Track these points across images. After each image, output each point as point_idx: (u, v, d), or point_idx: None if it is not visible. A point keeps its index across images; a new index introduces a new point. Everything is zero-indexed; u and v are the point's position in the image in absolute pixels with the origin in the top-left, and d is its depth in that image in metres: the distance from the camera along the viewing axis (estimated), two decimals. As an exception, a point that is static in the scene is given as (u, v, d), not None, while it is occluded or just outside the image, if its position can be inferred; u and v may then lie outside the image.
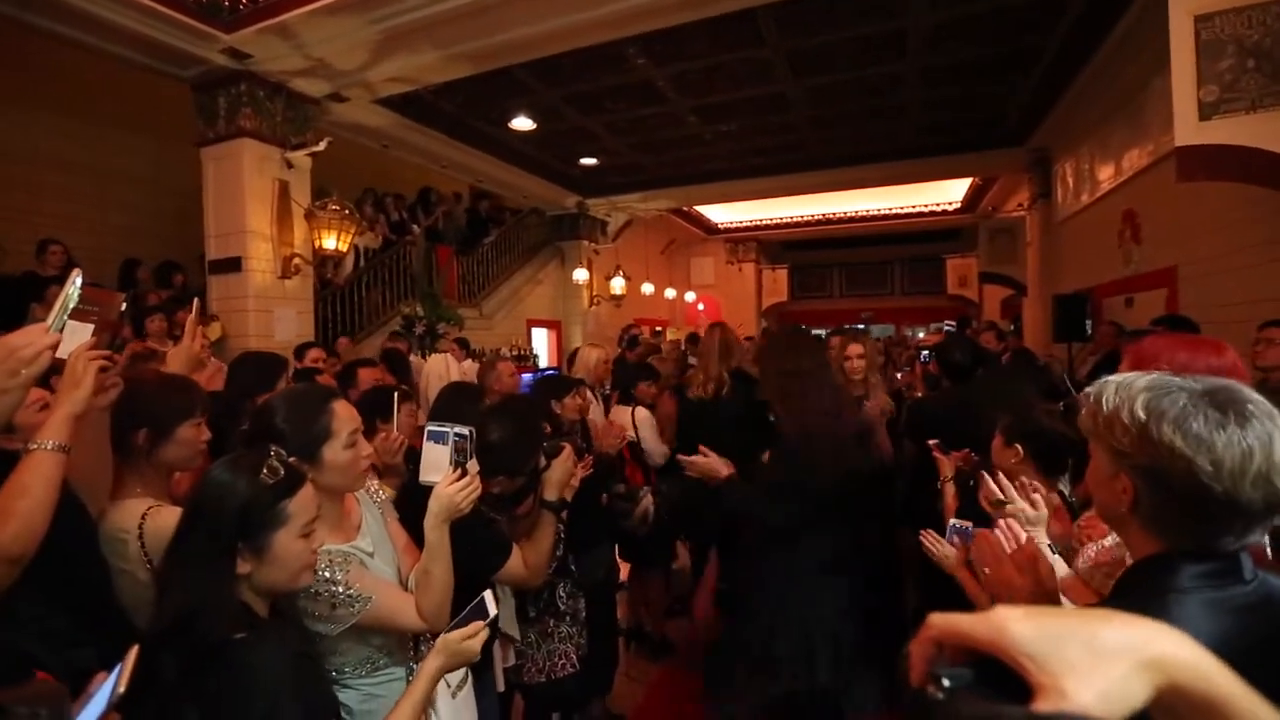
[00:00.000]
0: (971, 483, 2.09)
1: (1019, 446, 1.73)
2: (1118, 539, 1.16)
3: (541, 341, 10.45)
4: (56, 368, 1.17)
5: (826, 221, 13.52)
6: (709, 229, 14.74)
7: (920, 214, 12.87)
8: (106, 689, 0.72)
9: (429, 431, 1.45)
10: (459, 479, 1.41)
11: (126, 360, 2.43)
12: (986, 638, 0.47)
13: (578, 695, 2.29)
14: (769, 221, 14.16)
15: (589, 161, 8.54)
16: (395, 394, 2.18)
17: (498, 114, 6.72)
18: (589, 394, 3.42)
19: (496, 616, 1.35)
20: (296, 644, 1.17)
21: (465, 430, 1.44)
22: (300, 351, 3.86)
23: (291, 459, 1.23)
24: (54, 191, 5.96)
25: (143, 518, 1.40)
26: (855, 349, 3.10)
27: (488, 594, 1.35)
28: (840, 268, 16.61)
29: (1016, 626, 0.47)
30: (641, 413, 3.39)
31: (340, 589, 1.33)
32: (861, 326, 9.72)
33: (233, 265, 5.04)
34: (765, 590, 2.10)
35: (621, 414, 3.38)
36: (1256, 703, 0.50)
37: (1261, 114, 2.66)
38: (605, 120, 7.04)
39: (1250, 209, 3.86)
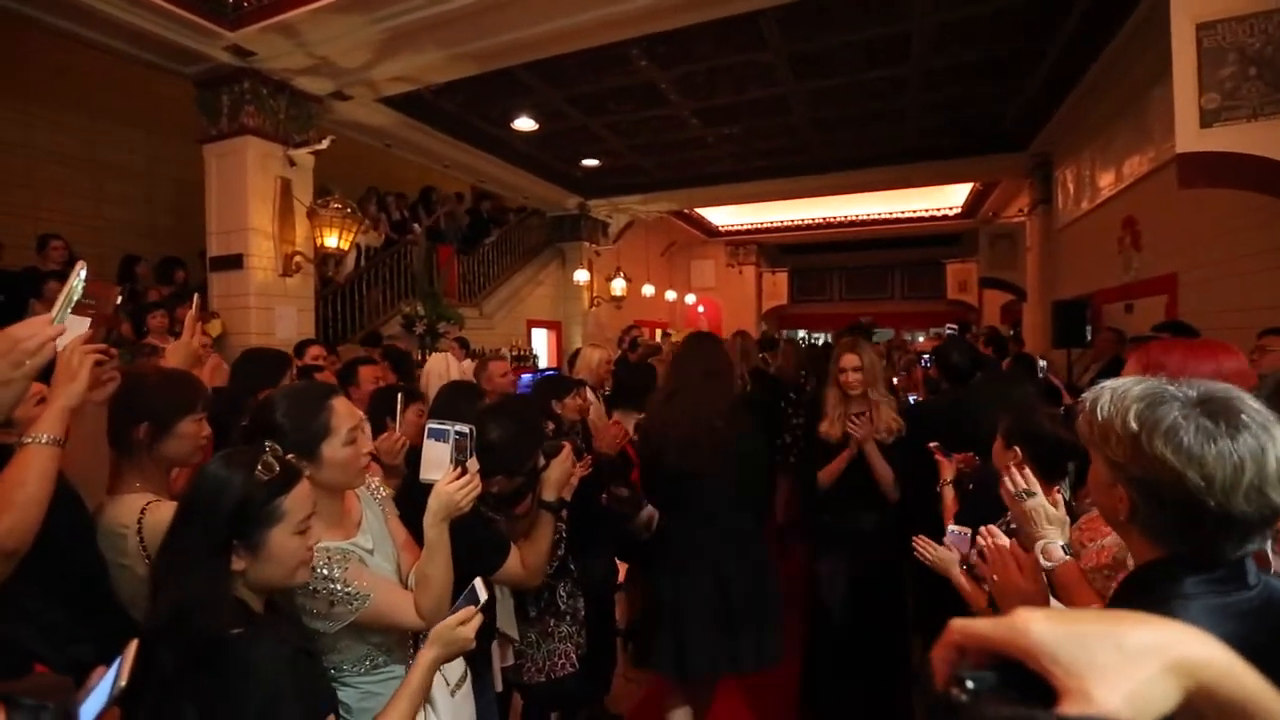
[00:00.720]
0: (970, 486, 2.10)
1: (1018, 449, 1.73)
2: (1117, 539, 1.16)
3: (541, 342, 10.45)
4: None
5: (827, 225, 13.53)
6: (710, 231, 14.76)
7: (921, 218, 12.88)
8: (107, 683, 0.72)
9: (429, 429, 1.46)
10: (459, 477, 1.41)
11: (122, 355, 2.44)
12: (1009, 640, 0.46)
13: (577, 695, 2.29)
14: (770, 224, 14.18)
15: (591, 163, 8.55)
16: (400, 394, 2.19)
17: (500, 114, 6.73)
18: (590, 394, 3.41)
19: (491, 602, 1.34)
20: (294, 640, 1.17)
21: (466, 428, 1.44)
22: (300, 349, 3.85)
23: (290, 456, 1.22)
24: (52, 186, 5.97)
25: (142, 512, 1.40)
26: (850, 360, 2.73)
27: (478, 580, 1.35)
28: (840, 271, 16.63)
29: (1039, 628, 0.46)
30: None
31: (339, 586, 1.33)
32: (865, 320, 9.49)
33: (234, 262, 5.04)
34: (665, 555, 2.43)
35: (627, 418, 3.30)
36: None
37: (1263, 122, 2.66)
38: (607, 122, 7.05)
39: (1251, 216, 3.87)
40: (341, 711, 1.34)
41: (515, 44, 4.69)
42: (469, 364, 5.39)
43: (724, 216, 13.98)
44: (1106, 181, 6.23)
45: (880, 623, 2.66)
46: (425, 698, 1.30)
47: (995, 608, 1.54)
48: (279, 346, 3.76)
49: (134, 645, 0.76)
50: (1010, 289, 9.76)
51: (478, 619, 1.31)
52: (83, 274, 1.18)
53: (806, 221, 13.63)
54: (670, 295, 13.98)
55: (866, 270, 16.30)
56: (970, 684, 0.44)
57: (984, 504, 1.84)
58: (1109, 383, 0.87)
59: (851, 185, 9.61)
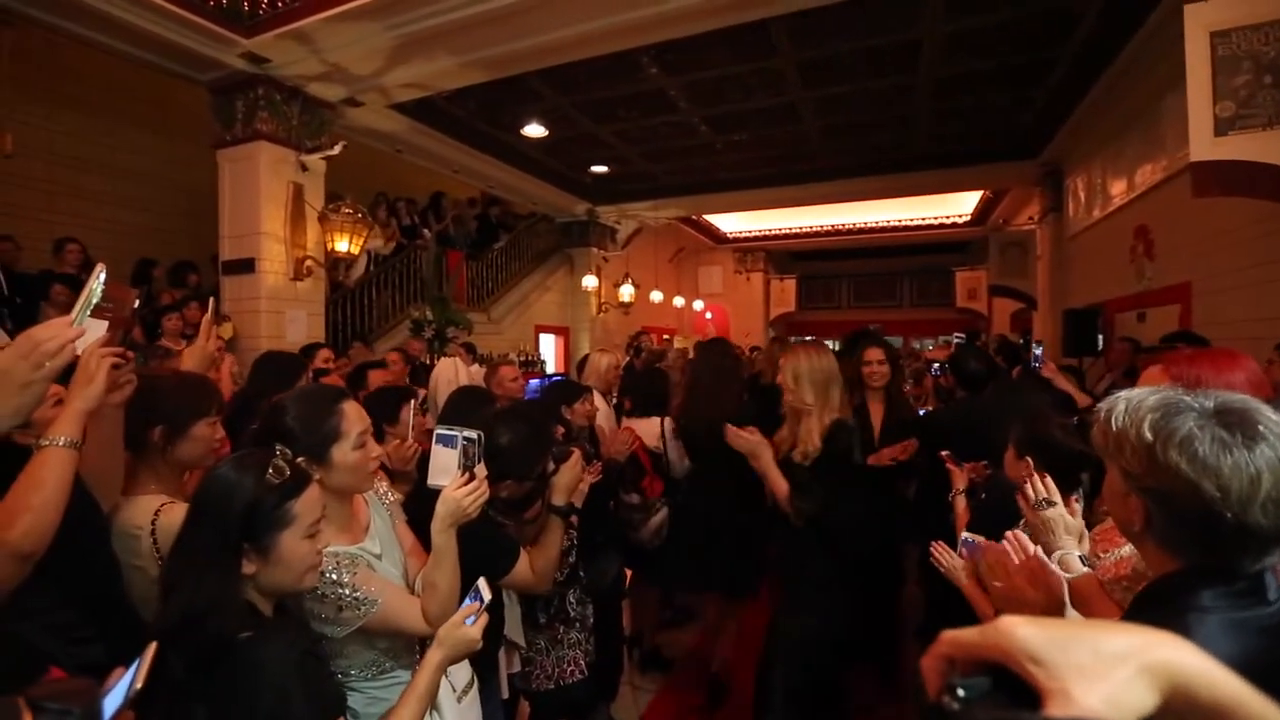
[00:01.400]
0: (983, 495, 2.08)
1: (1030, 459, 1.72)
2: (1136, 550, 1.14)
3: (549, 347, 10.47)
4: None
5: (836, 232, 13.50)
6: (718, 238, 14.76)
7: (930, 226, 12.84)
8: (123, 684, 0.72)
9: (437, 435, 1.45)
10: (467, 483, 1.41)
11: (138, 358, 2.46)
12: (994, 645, 0.48)
13: (585, 702, 2.27)
14: (778, 231, 14.17)
15: (600, 169, 8.58)
16: (397, 395, 2.20)
17: (510, 120, 6.77)
18: (599, 400, 3.39)
19: (498, 606, 1.34)
20: (303, 642, 1.17)
21: (474, 434, 1.44)
22: (308, 351, 3.88)
23: (300, 459, 1.23)
24: (69, 190, 6.04)
25: (155, 514, 1.41)
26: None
27: (481, 580, 1.35)
28: (849, 279, 16.59)
29: (1022, 632, 0.47)
30: (670, 423, 3.27)
31: (347, 591, 1.33)
32: (874, 328, 9.45)
33: (246, 266, 5.09)
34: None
35: (649, 424, 3.25)
36: (1268, 707, 0.50)
37: (1278, 130, 2.64)
38: (617, 128, 7.08)
39: (1266, 225, 3.84)
40: (348, 716, 1.34)
41: (526, 51, 4.72)
42: (478, 369, 5.40)
43: (732, 223, 13.99)
44: (1118, 190, 6.20)
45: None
46: (432, 700, 1.30)
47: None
48: (289, 350, 3.79)
49: (153, 648, 0.77)
50: (1020, 297, 9.73)
51: (484, 618, 1.31)
52: (102, 276, 1.19)
53: (815, 228, 13.61)
54: (678, 301, 13.98)
55: (875, 278, 16.25)
56: (962, 691, 0.45)
57: (996, 513, 1.83)
58: (1124, 393, 0.87)
59: (860, 192, 9.61)
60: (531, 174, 8.55)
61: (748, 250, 15.31)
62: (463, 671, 1.62)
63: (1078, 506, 1.33)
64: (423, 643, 1.55)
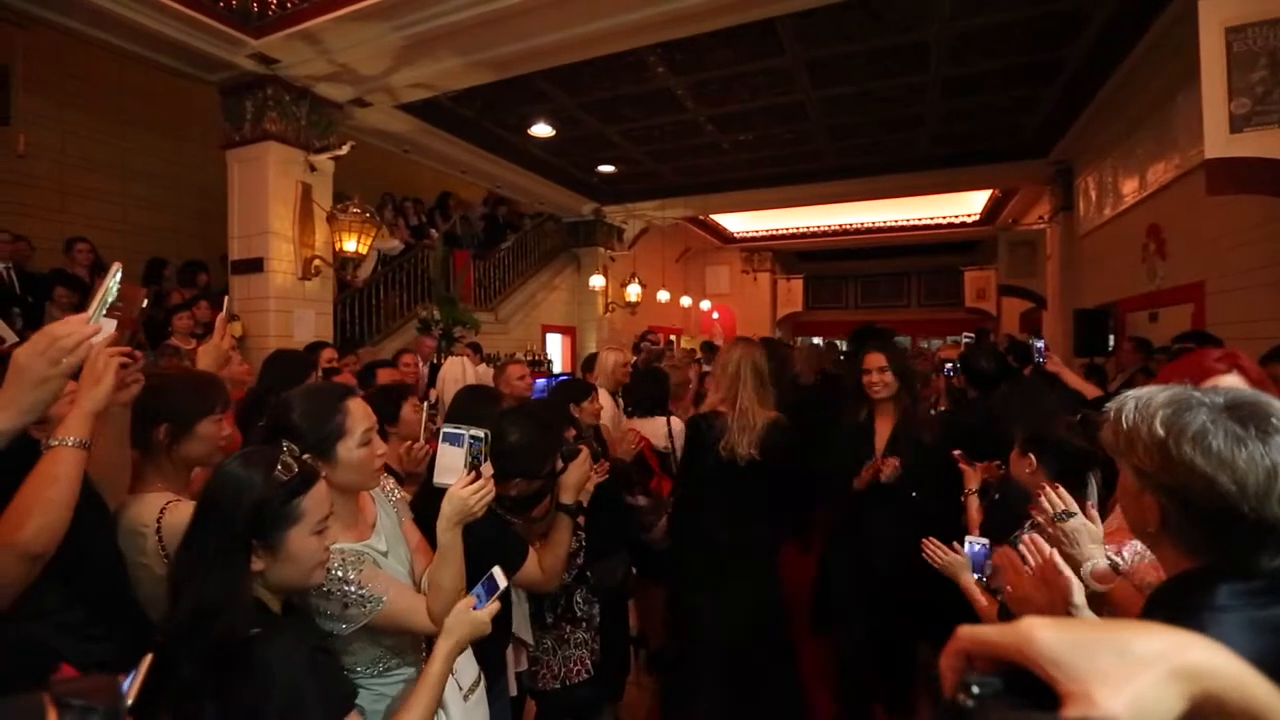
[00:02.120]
0: (996, 495, 2.06)
1: (1032, 456, 1.70)
2: None
3: (556, 347, 10.47)
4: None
5: (843, 232, 13.44)
6: (725, 238, 14.73)
7: (939, 225, 12.76)
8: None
9: (444, 434, 1.44)
10: (473, 481, 1.40)
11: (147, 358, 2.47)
12: (1014, 647, 0.47)
13: (591, 701, 2.27)
14: (785, 231, 14.13)
15: (607, 169, 8.58)
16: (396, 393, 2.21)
17: (517, 120, 6.78)
18: (607, 399, 3.39)
19: (507, 605, 1.34)
20: (312, 638, 1.17)
21: (480, 433, 1.43)
22: (313, 350, 3.89)
23: (306, 456, 1.22)
24: (81, 191, 6.09)
25: (161, 512, 1.41)
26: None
27: (497, 568, 1.35)
28: (856, 279, 16.51)
29: (1044, 634, 0.46)
30: (677, 422, 3.27)
31: (353, 588, 1.33)
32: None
33: (255, 266, 5.11)
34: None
35: (655, 424, 3.25)
36: None
37: (1295, 127, 2.61)
38: (624, 128, 7.07)
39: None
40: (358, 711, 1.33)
41: (533, 51, 4.72)
42: (485, 369, 5.41)
43: (739, 223, 13.96)
44: (1130, 188, 6.14)
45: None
46: (443, 689, 1.30)
47: (1009, 617, 1.50)
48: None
49: (148, 660, 0.76)
50: (1030, 297, 9.63)
51: (495, 605, 1.31)
52: (118, 275, 1.20)
53: (822, 228, 13.56)
54: (685, 301, 13.96)
55: (883, 278, 16.17)
56: (977, 690, 0.45)
57: (1009, 513, 1.81)
58: (1132, 391, 0.86)
59: (868, 192, 9.56)
60: (538, 174, 8.56)
61: (755, 250, 15.27)
62: (469, 669, 1.61)
63: (1095, 513, 1.30)
64: (428, 640, 1.55)
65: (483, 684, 1.66)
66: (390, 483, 1.66)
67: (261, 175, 5.09)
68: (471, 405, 2.17)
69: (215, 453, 1.58)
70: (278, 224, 5.10)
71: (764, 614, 2.56)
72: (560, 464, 1.86)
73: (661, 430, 3.21)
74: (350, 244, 5.34)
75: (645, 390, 3.42)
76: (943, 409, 3.56)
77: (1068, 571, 1.12)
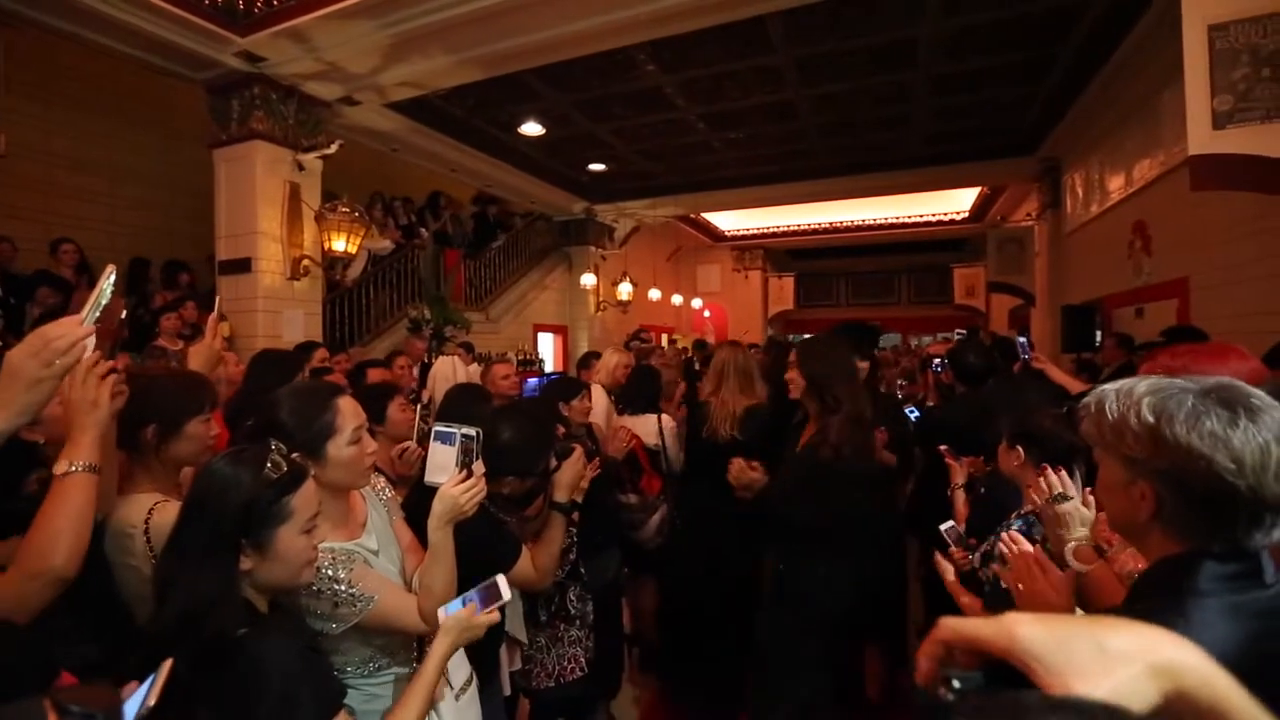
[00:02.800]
0: (982, 490, 2.08)
1: (1019, 449, 1.72)
2: None
3: (548, 346, 10.46)
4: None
5: (834, 230, 13.50)
6: (716, 236, 14.76)
7: (928, 223, 12.85)
8: (135, 701, 0.71)
9: (436, 432, 1.44)
10: (464, 480, 1.40)
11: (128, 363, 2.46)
12: (995, 641, 0.48)
13: (585, 700, 2.27)
14: (776, 229, 14.17)
15: (597, 167, 8.57)
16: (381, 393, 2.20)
17: (507, 119, 6.76)
18: (601, 397, 3.38)
19: (503, 606, 1.35)
20: (302, 637, 1.16)
21: (472, 431, 1.43)
22: (306, 349, 3.86)
23: (295, 454, 1.22)
24: (67, 190, 6.02)
25: (149, 513, 1.40)
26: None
27: (501, 577, 1.35)
28: (847, 276, 16.59)
29: (1025, 630, 0.47)
30: (668, 420, 3.29)
31: (343, 588, 1.32)
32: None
33: (242, 266, 5.07)
34: None
35: (645, 422, 3.26)
36: (1258, 712, 0.51)
37: (1276, 123, 2.63)
38: (614, 126, 7.06)
39: (1264, 219, 3.84)
40: (348, 710, 1.33)
41: (522, 49, 4.71)
42: (476, 368, 5.39)
43: (730, 221, 13.99)
44: (1116, 185, 6.20)
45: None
46: (436, 688, 1.30)
47: (999, 607, 1.51)
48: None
49: (168, 665, 0.75)
50: (1018, 293, 9.73)
51: (495, 615, 1.32)
52: (112, 278, 1.18)
53: (813, 226, 13.62)
54: (676, 300, 13.97)
55: (873, 275, 16.26)
56: (957, 684, 0.46)
57: (995, 507, 1.82)
58: (1109, 385, 0.86)
59: (858, 190, 9.60)
60: (529, 172, 8.54)
61: (746, 248, 15.31)
62: (461, 669, 1.61)
63: (1091, 499, 1.32)
64: (419, 640, 1.54)
65: (475, 683, 1.66)
66: (381, 482, 1.65)
67: (249, 175, 5.05)
68: (463, 403, 2.17)
69: (204, 452, 1.57)
70: (265, 224, 5.06)
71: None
72: (554, 462, 1.86)
73: (652, 428, 3.21)
74: (339, 243, 5.31)
75: (637, 388, 3.42)
76: (930, 404, 3.59)
77: (1082, 568, 1.14)
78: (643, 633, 3.57)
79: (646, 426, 3.21)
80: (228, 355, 2.53)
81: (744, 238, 14.80)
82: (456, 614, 1.29)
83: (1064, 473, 1.36)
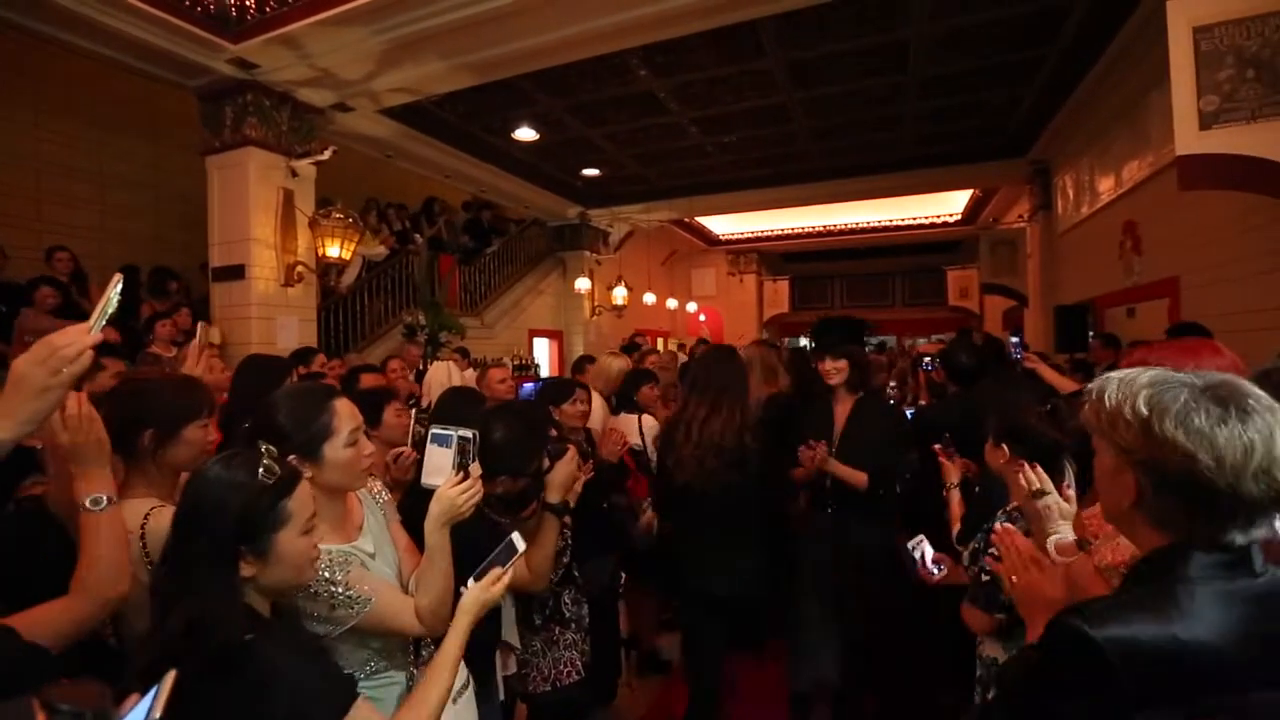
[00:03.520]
0: (977, 489, 2.09)
1: (1005, 446, 1.73)
2: None
3: (543, 351, 10.45)
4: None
5: (827, 233, 13.56)
6: (710, 240, 14.79)
7: (921, 225, 12.91)
8: (140, 712, 0.71)
9: (432, 434, 1.44)
10: (461, 481, 1.40)
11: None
12: None
13: (582, 704, 2.27)
14: (770, 233, 14.22)
15: (591, 172, 8.59)
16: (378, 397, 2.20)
17: (501, 124, 6.77)
18: (601, 401, 3.38)
19: (494, 608, 1.34)
20: (307, 638, 1.16)
21: (469, 433, 1.43)
22: (303, 356, 3.85)
23: (292, 457, 1.21)
24: (59, 198, 6.00)
25: (145, 518, 1.39)
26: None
27: (516, 534, 1.36)
28: (841, 279, 16.64)
29: None
30: (649, 420, 3.29)
31: (340, 590, 1.32)
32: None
33: (236, 273, 5.06)
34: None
35: (626, 422, 3.27)
36: None
37: (1261, 123, 2.67)
38: (607, 131, 7.09)
39: (1252, 218, 3.87)
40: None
41: (515, 54, 4.73)
42: (471, 373, 5.39)
43: (724, 225, 14.02)
44: (1106, 186, 6.25)
45: None
46: (458, 666, 1.30)
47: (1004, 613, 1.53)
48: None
49: (172, 676, 0.75)
50: (1011, 295, 9.76)
51: (509, 576, 1.33)
52: (119, 286, 1.18)
53: (807, 230, 13.67)
54: (671, 304, 13.98)
55: (867, 278, 16.31)
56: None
57: (991, 506, 1.83)
58: (1115, 373, 0.88)
59: (850, 192, 9.65)
60: (523, 178, 8.56)
61: (740, 252, 15.35)
62: (458, 673, 1.60)
63: (1071, 493, 1.35)
64: (417, 643, 1.54)
65: (471, 686, 1.66)
66: (377, 484, 1.65)
67: (242, 182, 5.04)
68: (456, 405, 2.17)
69: (201, 457, 1.56)
70: (259, 230, 5.05)
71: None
72: (547, 463, 1.86)
73: (633, 428, 3.22)
74: (333, 250, 5.31)
75: (623, 387, 3.44)
76: (923, 403, 3.60)
77: (1062, 560, 1.15)
78: (642, 636, 3.57)
79: (627, 426, 3.22)
80: (215, 362, 2.51)
81: (738, 241, 14.84)
82: (470, 591, 1.29)
83: (1040, 469, 1.40)
